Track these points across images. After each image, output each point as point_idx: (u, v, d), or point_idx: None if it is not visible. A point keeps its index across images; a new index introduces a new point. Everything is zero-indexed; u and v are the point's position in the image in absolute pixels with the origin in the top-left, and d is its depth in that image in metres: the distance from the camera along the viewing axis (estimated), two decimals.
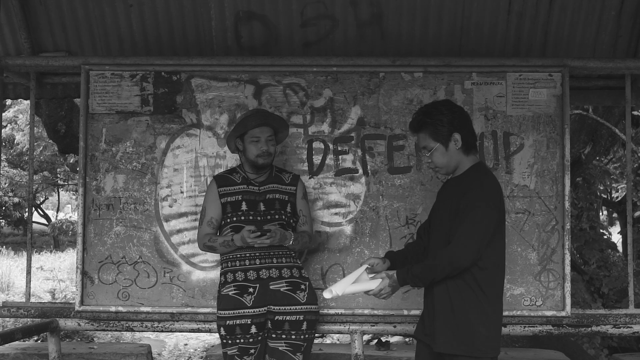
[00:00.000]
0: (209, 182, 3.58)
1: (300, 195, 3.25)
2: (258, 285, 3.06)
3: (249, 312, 3.03)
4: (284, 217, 3.14)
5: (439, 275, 2.51)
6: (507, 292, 3.52)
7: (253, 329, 3.04)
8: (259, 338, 3.06)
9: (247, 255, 3.07)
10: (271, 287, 3.05)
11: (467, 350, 2.49)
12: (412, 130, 2.70)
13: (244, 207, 3.12)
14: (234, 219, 3.11)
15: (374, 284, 2.59)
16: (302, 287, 3.10)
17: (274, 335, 3.07)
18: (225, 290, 3.10)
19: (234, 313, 3.05)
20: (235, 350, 3.05)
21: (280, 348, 3.06)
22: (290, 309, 3.05)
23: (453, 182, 2.66)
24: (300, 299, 3.06)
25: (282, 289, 3.06)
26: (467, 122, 2.64)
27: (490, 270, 2.55)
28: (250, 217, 3.10)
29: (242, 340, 3.04)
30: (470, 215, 2.47)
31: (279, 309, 3.05)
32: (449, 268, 2.48)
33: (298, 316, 3.05)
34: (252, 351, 3.05)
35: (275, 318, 3.05)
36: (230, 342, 3.06)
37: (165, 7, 3.83)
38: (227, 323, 3.05)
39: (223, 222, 3.17)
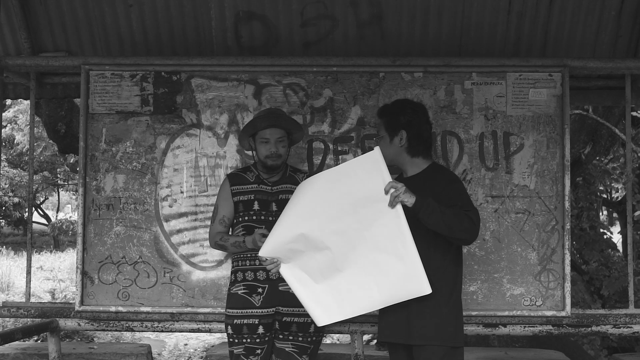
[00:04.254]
0: (209, 182, 3.59)
1: None
2: (267, 285, 3.05)
3: (257, 312, 3.03)
4: None
5: (461, 227, 2.49)
6: (507, 292, 3.52)
7: (260, 330, 3.03)
8: (266, 339, 3.05)
9: (257, 255, 3.06)
10: (280, 288, 3.04)
11: (443, 341, 2.57)
12: (377, 114, 2.85)
13: (256, 206, 3.10)
14: (246, 218, 3.10)
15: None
16: None
17: (281, 336, 3.06)
18: (234, 289, 3.10)
19: (242, 312, 3.04)
20: (242, 349, 3.04)
21: (286, 349, 3.05)
22: (298, 310, 3.02)
23: (415, 179, 2.69)
24: None
25: (290, 290, 3.04)
26: (420, 128, 2.72)
27: (459, 266, 2.70)
28: (262, 217, 3.08)
29: (248, 340, 3.03)
30: (467, 199, 2.62)
31: (287, 310, 3.04)
32: (471, 226, 2.51)
33: (306, 318, 3.02)
34: (259, 351, 3.04)
35: (283, 319, 3.04)
36: (236, 341, 3.06)
37: (165, 7, 3.83)
38: (234, 322, 3.05)
39: (235, 220, 3.16)
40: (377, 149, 2.54)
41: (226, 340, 3.21)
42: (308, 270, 2.67)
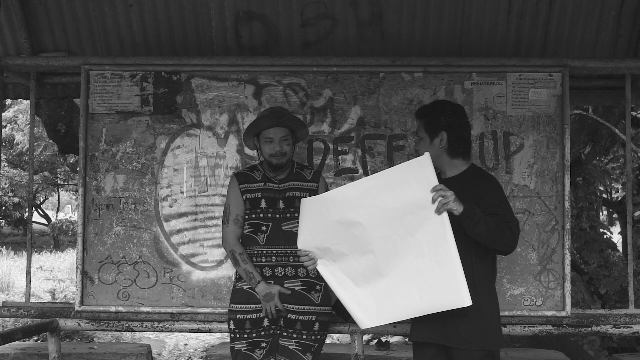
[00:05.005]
0: (209, 182, 3.60)
1: (322, 192, 3.18)
2: (272, 282, 3.05)
3: (261, 306, 3.04)
4: None
5: (502, 239, 2.51)
6: (507, 292, 3.52)
7: (265, 322, 3.04)
8: (271, 332, 3.06)
9: (264, 252, 3.07)
10: (285, 285, 3.05)
11: (483, 345, 2.58)
12: (415, 116, 2.84)
13: (263, 204, 3.10)
14: (253, 216, 3.10)
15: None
16: (317, 287, 3.08)
17: (285, 334, 3.06)
18: (239, 284, 3.11)
19: (245, 307, 3.05)
20: (244, 344, 3.04)
21: (290, 347, 3.05)
22: (303, 308, 3.04)
23: (454, 181, 2.67)
24: (315, 300, 3.05)
25: (296, 288, 3.05)
26: (461, 129, 2.72)
27: (495, 270, 2.72)
28: (269, 215, 3.09)
29: (254, 335, 3.04)
30: (507, 207, 2.63)
31: (293, 308, 3.04)
32: (512, 240, 2.54)
33: (311, 316, 3.04)
34: (264, 344, 3.05)
35: (288, 316, 3.04)
36: (238, 336, 3.06)
37: (165, 7, 3.83)
38: (237, 317, 3.06)
39: None
40: (426, 155, 2.49)
41: (226, 340, 3.21)
42: (350, 273, 2.65)
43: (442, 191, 2.43)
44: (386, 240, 2.53)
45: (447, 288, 2.45)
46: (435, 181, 2.46)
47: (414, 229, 2.48)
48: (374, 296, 2.60)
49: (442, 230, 2.44)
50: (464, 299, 2.42)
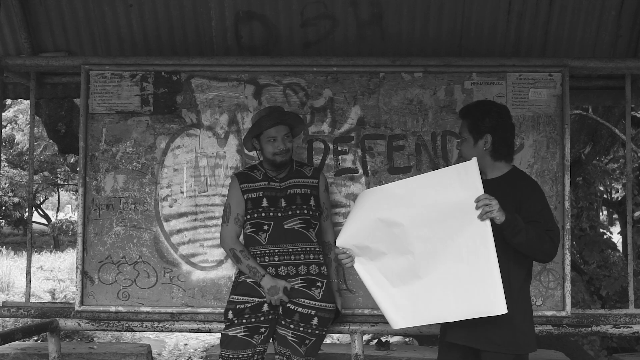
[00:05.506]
0: (209, 182, 3.60)
1: (322, 188, 3.23)
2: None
3: (262, 300, 3.06)
4: (306, 211, 3.12)
5: (542, 249, 2.50)
6: None
7: (265, 307, 3.06)
8: (270, 317, 3.07)
9: (267, 251, 3.08)
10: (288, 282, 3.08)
11: (510, 348, 2.55)
12: (459, 115, 2.79)
13: (264, 203, 3.11)
14: (255, 215, 3.12)
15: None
16: (319, 284, 3.09)
17: (283, 322, 3.08)
18: (243, 277, 3.12)
19: (247, 299, 3.07)
20: (241, 329, 3.05)
21: (288, 337, 3.06)
22: (303, 301, 3.05)
23: (494, 183, 2.64)
24: (315, 296, 3.06)
25: (296, 286, 3.06)
26: (506, 132, 2.68)
27: (530, 273, 2.68)
28: (271, 214, 3.10)
29: (252, 320, 3.05)
30: (549, 214, 2.60)
31: (292, 300, 3.05)
32: (551, 250, 2.51)
33: (310, 310, 3.05)
34: (263, 330, 3.06)
35: (287, 305, 3.05)
36: (236, 321, 3.06)
37: (165, 7, 3.83)
38: (237, 307, 3.07)
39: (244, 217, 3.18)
40: (474, 160, 2.47)
41: None
42: (386, 273, 2.63)
43: (487, 200, 2.40)
44: (426, 242, 2.51)
45: (483, 295, 2.41)
46: (481, 188, 2.43)
47: (455, 233, 2.46)
48: (409, 297, 2.57)
49: (484, 237, 2.41)
50: (500, 307, 2.39)
